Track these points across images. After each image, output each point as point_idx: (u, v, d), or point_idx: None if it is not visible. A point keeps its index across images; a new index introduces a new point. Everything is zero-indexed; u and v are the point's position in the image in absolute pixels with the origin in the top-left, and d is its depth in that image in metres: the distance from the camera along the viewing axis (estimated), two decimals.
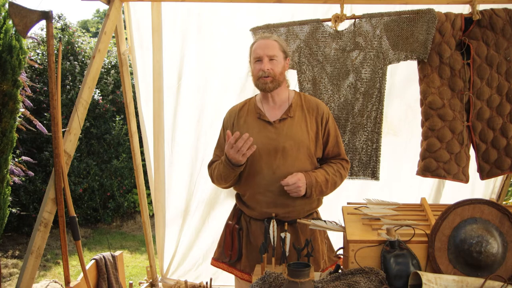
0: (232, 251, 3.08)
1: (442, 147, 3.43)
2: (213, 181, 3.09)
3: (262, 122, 2.94)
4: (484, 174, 3.53)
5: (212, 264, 3.24)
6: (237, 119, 3.03)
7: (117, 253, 4.32)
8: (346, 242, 2.38)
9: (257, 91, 3.05)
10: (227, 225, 3.18)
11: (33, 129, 6.06)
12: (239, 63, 3.84)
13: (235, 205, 3.18)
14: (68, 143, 3.24)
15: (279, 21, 3.58)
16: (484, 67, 3.37)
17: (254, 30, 3.60)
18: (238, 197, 3.09)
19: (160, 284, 4.65)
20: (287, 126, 2.91)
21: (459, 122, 3.43)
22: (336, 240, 3.27)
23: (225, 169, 2.83)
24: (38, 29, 9.11)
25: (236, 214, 3.13)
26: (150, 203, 4.75)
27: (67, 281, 3.27)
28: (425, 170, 3.46)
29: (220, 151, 3.07)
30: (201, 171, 4.22)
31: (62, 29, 8.49)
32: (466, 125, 3.44)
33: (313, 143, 2.94)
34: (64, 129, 3.23)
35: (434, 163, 3.43)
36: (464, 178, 3.49)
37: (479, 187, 4.14)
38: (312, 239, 2.83)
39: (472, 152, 3.53)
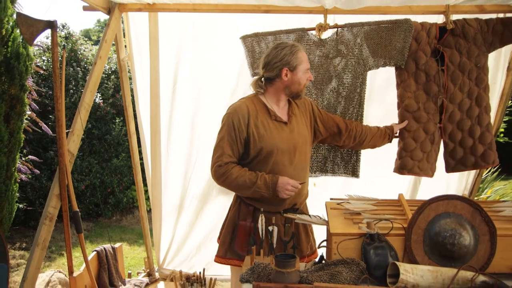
0: (255, 247, 2.71)
1: (417, 146, 3.43)
2: (224, 182, 2.83)
3: (278, 122, 2.89)
4: (449, 168, 3.57)
5: (216, 261, 3.02)
6: (253, 120, 2.82)
7: (117, 245, 4.32)
8: (329, 235, 2.37)
9: (248, 93, 3.07)
10: (240, 225, 2.92)
11: (39, 130, 5.99)
12: (231, 69, 3.86)
13: (241, 204, 2.98)
14: (72, 143, 3.26)
15: (268, 29, 3.56)
16: (457, 73, 3.37)
17: (244, 38, 3.57)
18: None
19: (157, 274, 4.63)
20: (295, 124, 2.95)
21: (432, 124, 3.43)
22: (320, 233, 3.24)
23: (264, 191, 2.75)
24: (44, 37, 9.00)
25: (250, 213, 2.92)
26: (147, 198, 4.74)
27: (71, 271, 3.29)
28: (402, 168, 3.47)
29: (231, 151, 2.82)
30: (195, 169, 4.21)
31: (66, 37, 8.42)
32: (438, 127, 3.45)
33: (312, 135, 3.08)
34: (67, 130, 3.24)
35: (410, 162, 3.44)
36: (431, 173, 3.53)
37: (453, 184, 4.16)
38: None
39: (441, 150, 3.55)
